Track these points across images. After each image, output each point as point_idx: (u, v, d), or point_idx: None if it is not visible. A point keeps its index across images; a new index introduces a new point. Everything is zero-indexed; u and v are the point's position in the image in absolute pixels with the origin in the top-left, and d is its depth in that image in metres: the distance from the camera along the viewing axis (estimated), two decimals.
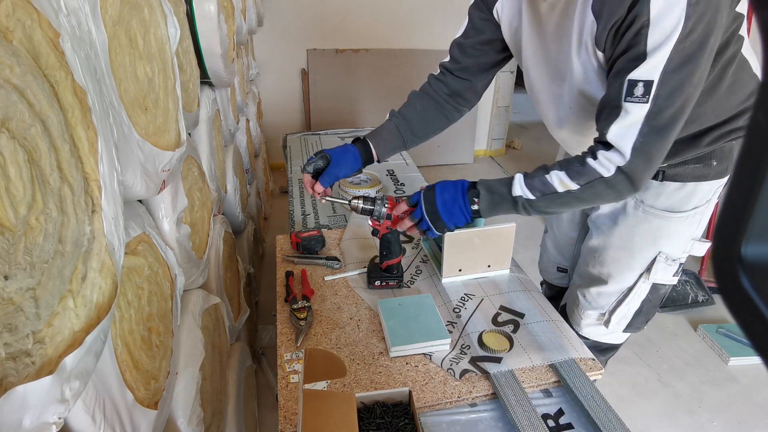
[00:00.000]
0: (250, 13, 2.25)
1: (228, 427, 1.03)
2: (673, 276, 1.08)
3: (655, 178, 0.99)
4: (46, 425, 0.38)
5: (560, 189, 0.84)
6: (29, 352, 0.38)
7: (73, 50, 0.47)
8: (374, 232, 1.08)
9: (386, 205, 1.03)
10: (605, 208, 1.11)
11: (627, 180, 0.79)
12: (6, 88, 0.37)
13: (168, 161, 0.75)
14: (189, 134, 1.09)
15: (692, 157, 0.95)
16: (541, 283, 1.52)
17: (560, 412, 0.85)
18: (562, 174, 0.84)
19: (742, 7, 0.77)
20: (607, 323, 1.16)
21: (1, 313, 0.36)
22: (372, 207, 1.03)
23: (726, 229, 0.23)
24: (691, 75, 0.70)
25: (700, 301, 2.17)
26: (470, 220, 0.93)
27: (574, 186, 0.83)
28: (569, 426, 0.82)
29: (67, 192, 0.45)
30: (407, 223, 0.98)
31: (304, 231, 1.29)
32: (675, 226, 1.02)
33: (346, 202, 1.04)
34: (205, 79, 1.27)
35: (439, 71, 1.15)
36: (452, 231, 0.97)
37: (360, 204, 1.03)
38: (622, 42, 0.73)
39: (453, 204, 0.91)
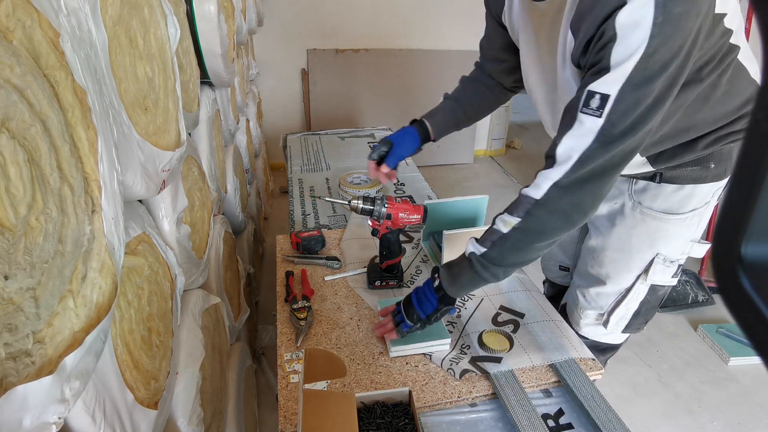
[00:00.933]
0: (250, 13, 2.25)
1: (228, 427, 1.03)
2: (672, 277, 1.08)
3: (652, 179, 0.99)
4: (46, 425, 0.38)
5: (505, 230, 0.81)
6: (29, 352, 0.38)
7: (73, 50, 0.47)
8: (374, 232, 1.08)
9: (386, 205, 1.03)
10: (603, 209, 1.11)
11: (563, 194, 0.75)
12: (6, 88, 0.37)
13: (168, 161, 0.75)
14: (189, 134, 1.09)
15: (690, 160, 0.94)
16: (544, 282, 1.52)
17: (560, 412, 0.85)
18: (504, 215, 0.82)
19: (731, 22, 0.76)
20: (605, 323, 1.16)
21: (1, 313, 0.36)
22: (372, 207, 1.03)
23: (726, 229, 0.23)
24: (647, 95, 0.68)
25: (700, 301, 2.17)
26: (436, 303, 0.91)
27: (515, 220, 0.80)
28: (569, 426, 0.82)
29: (67, 192, 0.45)
30: (389, 326, 0.96)
31: (304, 231, 1.29)
32: (673, 227, 1.01)
33: (346, 202, 1.05)
34: (205, 79, 1.27)
35: (476, 66, 1.21)
36: (423, 320, 0.92)
37: (360, 204, 1.03)
38: (590, 56, 0.72)
39: (422, 291, 0.93)
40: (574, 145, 0.73)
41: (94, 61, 0.54)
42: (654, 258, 1.05)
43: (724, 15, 0.73)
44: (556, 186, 0.75)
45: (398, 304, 0.97)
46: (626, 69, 0.66)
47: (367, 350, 0.96)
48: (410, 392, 0.79)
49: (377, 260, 1.17)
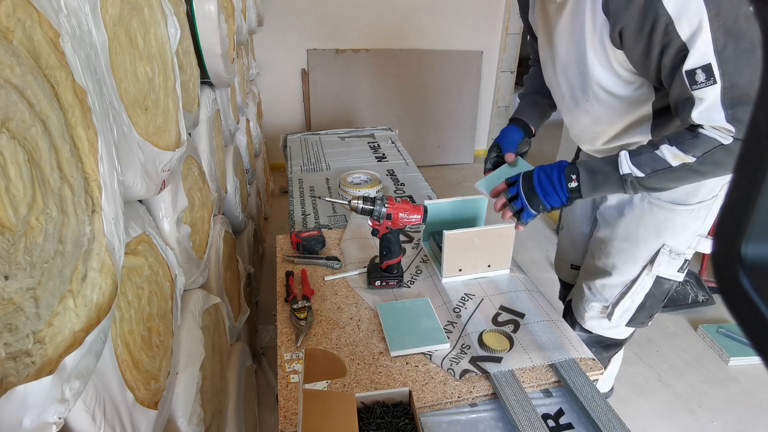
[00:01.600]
0: (250, 13, 2.25)
1: (228, 426, 1.03)
2: (678, 272, 1.09)
3: None
4: (46, 425, 0.38)
5: (675, 163, 0.82)
6: (29, 352, 0.38)
7: (74, 50, 0.47)
8: (374, 232, 1.08)
9: (386, 205, 1.03)
10: (612, 200, 1.13)
11: (738, 143, 0.78)
12: (6, 88, 0.37)
13: (168, 161, 0.75)
14: (189, 134, 1.09)
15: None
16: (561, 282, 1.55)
17: (560, 412, 0.85)
18: (673, 148, 0.82)
19: None
20: (610, 316, 1.17)
21: (2, 313, 0.36)
22: (372, 207, 1.03)
23: (726, 229, 0.23)
24: (740, 42, 0.71)
25: (701, 301, 2.17)
26: (566, 201, 0.93)
27: (690, 159, 0.81)
28: (569, 426, 0.82)
29: (68, 192, 0.45)
30: (500, 201, 0.98)
31: (304, 231, 1.29)
32: (680, 218, 1.03)
33: (346, 202, 1.05)
34: (205, 79, 1.27)
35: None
36: (548, 211, 0.96)
37: (360, 204, 1.03)
38: (654, 44, 0.75)
39: (548, 182, 0.92)
40: (710, 115, 0.76)
41: (94, 61, 0.54)
42: (660, 249, 1.06)
43: None
44: (736, 140, 0.77)
45: (512, 185, 0.96)
46: (705, 37, 0.70)
47: (367, 350, 0.96)
48: (410, 392, 0.79)
49: (377, 260, 1.17)
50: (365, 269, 1.18)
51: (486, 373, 0.90)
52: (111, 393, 0.54)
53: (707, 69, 0.73)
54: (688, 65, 0.74)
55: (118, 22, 0.64)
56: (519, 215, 0.98)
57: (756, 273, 0.22)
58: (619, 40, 0.80)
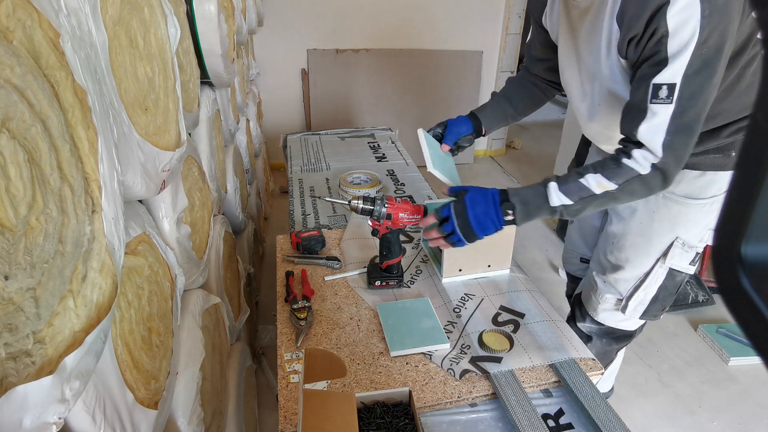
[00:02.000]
0: (250, 13, 2.25)
1: (228, 427, 1.03)
2: (690, 264, 1.11)
3: None
4: (46, 425, 0.38)
5: (597, 191, 0.88)
6: (29, 352, 0.38)
7: (74, 50, 0.47)
8: (374, 232, 1.08)
9: (386, 205, 1.03)
10: None
11: (660, 176, 0.85)
12: (6, 88, 0.37)
13: (168, 161, 0.75)
14: (189, 134, 1.09)
15: (713, 147, 0.99)
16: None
17: (560, 412, 0.85)
18: (598, 176, 0.88)
19: None
20: (624, 309, 1.19)
21: (2, 313, 0.36)
22: (372, 207, 1.03)
23: (726, 229, 0.23)
24: (709, 78, 0.77)
25: (701, 301, 2.17)
26: (501, 228, 0.95)
27: (612, 186, 0.87)
28: (569, 426, 0.82)
29: (68, 192, 0.45)
30: (435, 235, 1.00)
31: (304, 231, 1.29)
32: (693, 212, 1.05)
33: (346, 202, 1.05)
34: (205, 79, 1.27)
35: (523, 68, 1.29)
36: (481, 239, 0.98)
37: (360, 204, 1.03)
38: (645, 51, 0.79)
39: (485, 217, 0.94)
40: (654, 130, 0.82)
41: (95, 61, 0.54)
42: (673, 242, 1.09)
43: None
44: (655, 167, 0.84)
45: (445, 221, 0.97)
46: (684, 59, 0.75)
47: (367, 350, 0.96)
48: (410, 392, 0.79)
49: (377, 260, 1.17)
50: (365, 269, 1.18)
51: (486, 373, 0.90)
52: (111, 393, 0.54)
53: (671, 88, 0.78)
54: (658, 78, 0.78)
55: (118, 22, 0.64)
56: (455, 245, 1.00)
57: (756, 273, 0.22)
58: (625, 49, 0.84)
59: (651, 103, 0.80)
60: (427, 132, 1.24)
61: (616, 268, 1.18)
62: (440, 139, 1.23)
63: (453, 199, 0.99)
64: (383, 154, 2.08)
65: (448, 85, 3.64)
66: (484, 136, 1.27)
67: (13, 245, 0.37)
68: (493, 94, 1.29)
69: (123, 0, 0.66)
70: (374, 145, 2.20)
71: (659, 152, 0.83)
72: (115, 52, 0.62)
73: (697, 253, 1.11)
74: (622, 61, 0.87)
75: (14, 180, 0.37)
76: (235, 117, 1.78)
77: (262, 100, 3.41)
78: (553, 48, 1.13)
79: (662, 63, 0.77)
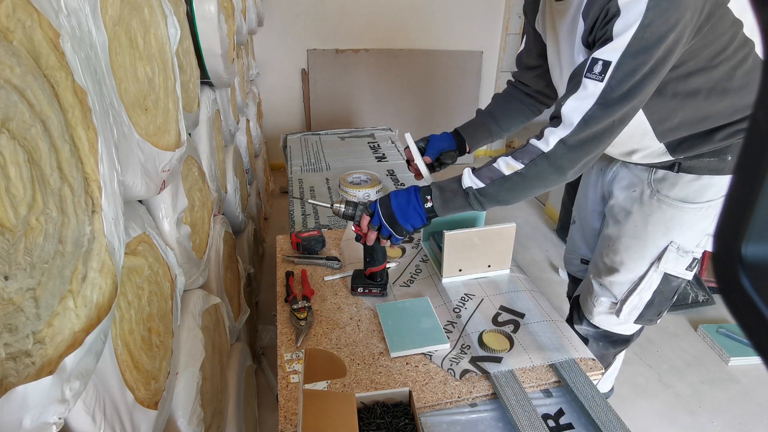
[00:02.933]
0: (250, 13, 2.25)
1: (228, 427, 1.03)
2: (686, 269, 1.10)
3: (671, 169, 1.03)
4: (46, 425, 0.38)
5: (507, 172, 0.88)
6: (29, 352, 0.38)
7: (74, 50, 0.47)
8: (357, 238, 1.06)
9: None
10: (620, 198, 1.15)
11: (567, 152, 0.83)
12: (6, 88, 0.37)
13: (168, 161, 0.75)
14: (189, 134, 1.09)
15: (707, 150, 0.98)
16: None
17: (560, 412, 0.85)
18: (508, 158, 0.89)
19: (741, 14, 0.80)
20: (618, 312, 1.19)
21: (2, 313, 0.36)
22: (353, 212, 1.01)
23: (726, 229, 0.23)
24: (644, 63, 0.75)
25: (701, 301, 2.17)
26: (425, 220, 0.96)
27: (518, 165, 0.87)
28: (569, 426, 0.82)
29: (68, 192, 0.45)
30: (371, 233, 0.99)
31: (304, 231, 1.29)
32: (688, 216, 1.05)
33: (329, 205, 1.03)
34: (205, 80, 1.27)
35: (512, 80, 1.28)
36: (411, 233, 0.99)
37: (342, 208, 1.01)
38: (596, 32, 0.80)
39: (407, 205, 0.95)
40: (578, 106, 0.81)
41: (94, 62, 0.54)
42: (668, 246, 1.08)
43: (724, 1, 0.78)
44: (562, 143, 0.83)
45: (372, 217, 0.98)
46: (626, 38, 0.74)
47: (367, 350, 0.96)
48: (410, 392, 0.79)
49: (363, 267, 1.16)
50: None
51: (486, 373, 0.90)
52: (111, 393, 0.54)
53: (605, 65, 0.77)
54: (597, 53, 0.78)
55: (118, 23, 0.64)
56: (389, 239, 1.00)
57: (756, 273, 0.22)
58: (587, 37, 0.84)
59: (585, 76, 0.80)
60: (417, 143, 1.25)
61: (611, 270, 1.17)
62: (422, 152, 1.23)
63: None
64: (383, 154, 2.08)
65: (448, 85, 3.64)
66: (468, 153, 1.27)
67: (13, 245, 0.37)
68: (479, 111, 1.29)
69: (123, 0, 0.66)
70: (374, 145, 2.20)
71: (574, 125, 0.81)
72: (115, 53, 0.62)
73: (695, 259, 1.09)
74: (586, 51, 0.87)
75: (14, 180, 0.37)
76: (235, 117, 1.78)
77: (262, 100, 3.41)
78: (545, 54, 1.14)
79: (606, 41, 0.77)
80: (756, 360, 1.82)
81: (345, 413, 0.69)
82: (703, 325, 2.03)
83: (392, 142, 2.23)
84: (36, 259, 0.40)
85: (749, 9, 0.80)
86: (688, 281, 1.13)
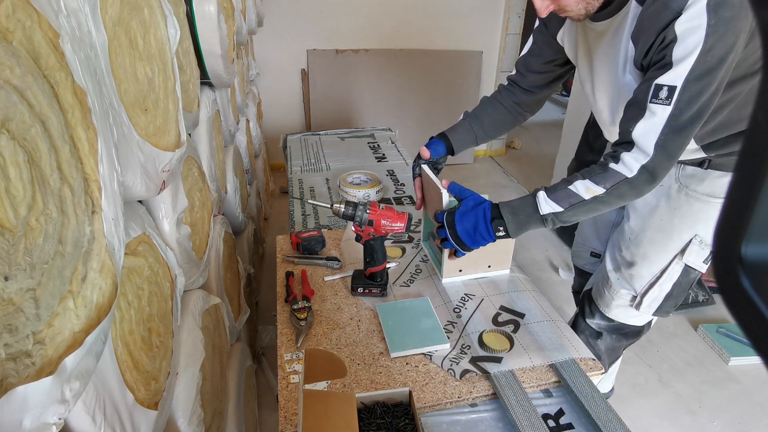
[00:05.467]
0: (250, 14, 2.25)
1: (228, 427, 1.03)
2: (703, 262, 1.13)
3: (700, 165, 1.06)
4: (46, 426, 0.38)
5: (587, 196, 0.91)
6: (29, 352, 0.38)
7: (73, 51, 0.47)
8: (357, 238, 1.06)
9: (368, 211, 1.02)
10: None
11: (649, 176, 0.87)
12: (6, 88, 0.37)
13: (168, 162, 0.75)
14: (189, 135, 1.09)
15: (737, 150, 0.99)
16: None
17: (560, 412, 0.85)
18: (587, 182, 0.91)
19: None
20: (638, 306, 1.21)
21: (2, 313, 0.36)
22: (353, 212, 1.01)
23: (726, 229, 0.23)
24: (709, 85, 0.79)
25: (701, 300, 2.17)
26: (493, 240, 0.99)
27: (600, 191, 0.90)
28: (569, 426, 0.82)
29: (67, 193, 0.45)
30: (435, 236, 1.04)
31: (304, 231, 1.29)
32: (714, 210, 1.07)
33: (329, 206, 1.03)
34: (205, 80, 1.27)
35: (507, 83, 1.29)
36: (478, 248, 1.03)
37: (341, 208, 1.01)
38: (654, 57, 0.83)
39: (475, 232, 0.98)
40: (649, 130, 0.84)
41: (94, 62, 0.54)
42: (692, 239, 1.10)
43: None
44: (644, 168, 0.87)
45: (441, 227, 1.01)
46: (688, 64, 0.78)
47: (367, 350, 0.96)
48: (410, 392, 0.79)
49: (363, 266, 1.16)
50: None
51: (486, 374, 0.90)
52: (111, 393, 0.54)
53: (671, 90, 0.81)
54: (660, 80, 0.82)
55: (117, 23, 0.64)
56: (454, 253, 1.06)
57: (756, 273, 0.22)
58: (641, 62, 0.88)
59: (650, 102, 0.83)
60: (414, 172, 1.23)
61: (632, 264, 1.19)
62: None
63: (455, 200, 1.04)
64: (383, 155, 2.08)
65: (448, 85, 3.64)
66: (453, 155, 1.29)
67: (13, 246, 0.37)
68: (465, 114, 1.30)
69: (123, 1, 0.66)
70: (374, 145, 2.20)
71: (650, 151, 0.85)
72: (115, 53, 0.62)
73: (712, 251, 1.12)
74: (638, 72, 0.91)
75: (14, 181, 0.37)
76: (235, 117, 1.78)
77: (262, 101, 3.41)
78: (556, 62, 1.17)
79: (666, 66, 0.81)
80: (756, 360, 1.82)
81: (345, 413, 0.69)
82: (704, 325, 2.03)
83: (392, 142, 2.23)
84: (36, 260, 0.40)
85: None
86: (701, 275, 1.15)
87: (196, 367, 0.83)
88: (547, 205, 0.93)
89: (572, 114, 2.85)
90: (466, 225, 0.98)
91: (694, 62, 0.78)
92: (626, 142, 0.88)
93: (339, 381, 0.88)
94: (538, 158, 4.09)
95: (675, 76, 0.80)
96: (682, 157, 1.06)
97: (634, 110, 0.87)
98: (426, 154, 1.20)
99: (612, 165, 0.89)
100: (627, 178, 0.88)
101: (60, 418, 0.40)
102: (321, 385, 0.87)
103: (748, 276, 0.22)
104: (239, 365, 1.20)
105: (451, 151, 1.26)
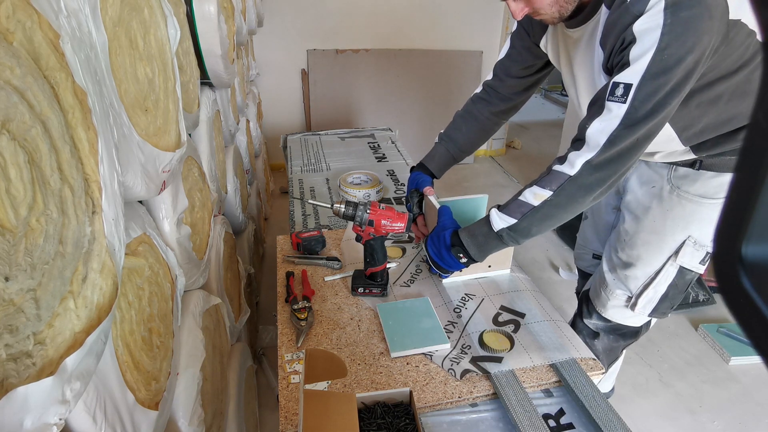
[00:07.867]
0: (250, 14, 2.25)
1: (229, 427, 1.03)
2: (700, 263, 1.13)
3: (692, 166, 1.05)
4: (47, 426, 0.38)
5: (536, 202, 0.90)
6: (30, 353, 0.38)
7: (74, 51, 0.47)
8: (358, 238, 1.06)
9: (368, 211, 1.02)
10: (638, 193, 1.17)
11: (594, 172, 0.85)
12: (6, 89, 0.37)
13: (168, 162, 0.75)
14: (189, 135, 1.09)
15: (729, 149, 1.00)
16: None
17: (561, 412, 0.85)
18: (534, 188, 0.91)
19: (754, 24, 0.81)
20: (633, 306, 1.21)
21: (2, 314, 0.36)
22: (354, 212, 1.02)
23: (726, 229, 0.23)
24: (665, 83, 0.78)
25: (701, 300, 2.17)
26: (466, 265, 1.02)
27: (547, 193, 0.89)
28: (570, 426, 0.82)
29: (68, 193, 0.45)
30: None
31: (304, 231, 1.29)
32: (707, 211, 1.07)
33: (329, 206, 1.03)
34: (205, 80, 1.27)
35: (482, 89, 1.28)
36: (460, 270, 1.07)
37: (342, 209, 1.02)
38: (614, 59, 0.84)
39: (440, 260, 1.04)
40: (603, 128, 0.83)
41: (95, 63, 0.54)
42: (685, 240, 1.10)
43: (738, 20, 0.81)
44: (588, 164, 0.85)
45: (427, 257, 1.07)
46: (644, 62, 0.78)
47: (367, 350, 0.96)
48: (411, 392, 0.79)
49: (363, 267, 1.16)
50: None
51: (487, 373, 0.90)
52: (112, 394, 0.54)
53: (627, 88, 0.80)
54: (617, 78, 0.81)
55: (118, 23, 0.64)
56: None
57: (756, 273, 0.22)
58: (606, 64, 0.88)
59: (608, 100, 0.83)
60: (414, 211, 1.25)
61: (627, 265, 1.19)
62: (421, 199, 1.25)
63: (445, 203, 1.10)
64: (383, 155, 2.08)
65: (448, 85, 3.64)
66: (437, 179, 1.32)
67: (13, 246, 0.37)
68: (440, 136, 1.31)
69: (123, 1, 0.66)
70: (374, 145, 2.20)
71: (599, 146, 0.83)
72: (115, 53, 0.62)
73: (707, 253, 1.12)
74: (606, 77, 0.91)
75: (15, 181, 0.37)
76: (235, 117, 1.78)
77: (262, 101, 3.41)
78: (535, 68, 1.18)
79: (624, 66, 0.81)
80: (756, 359, 1.82)
81: (346, 413, 0.69)
82: (704, 325, 2.03)
83: (392, 142, 2.23)
84: (36, 260, 0.40)
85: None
86: (699, 275, 1.15)
87: (196, 368, 0.83)
88: (500, 221, 0.94)
89: (572, 114, 2.85)
90: (435, 251, 1.03)
91: (649, 61, 0.77)
92: (578, 140, 0.88)
93: (339, 381, 0.88)
94: (538, 158, 4.09)
95: (631, 74, 0.79)
96: (674, 159, 1.06)
97: (594, 108, 0.86)
98: (430, 191, 1.23)
99: (555, 166, 0.89)
100: (570, 176, 0.86)
101: (61, 419, 0.40)
102: (321, 385, 0.87)
103: (749, 276, 0.22)
104: (240, 365, 1.20)
105: (433, 176, 1.29)
